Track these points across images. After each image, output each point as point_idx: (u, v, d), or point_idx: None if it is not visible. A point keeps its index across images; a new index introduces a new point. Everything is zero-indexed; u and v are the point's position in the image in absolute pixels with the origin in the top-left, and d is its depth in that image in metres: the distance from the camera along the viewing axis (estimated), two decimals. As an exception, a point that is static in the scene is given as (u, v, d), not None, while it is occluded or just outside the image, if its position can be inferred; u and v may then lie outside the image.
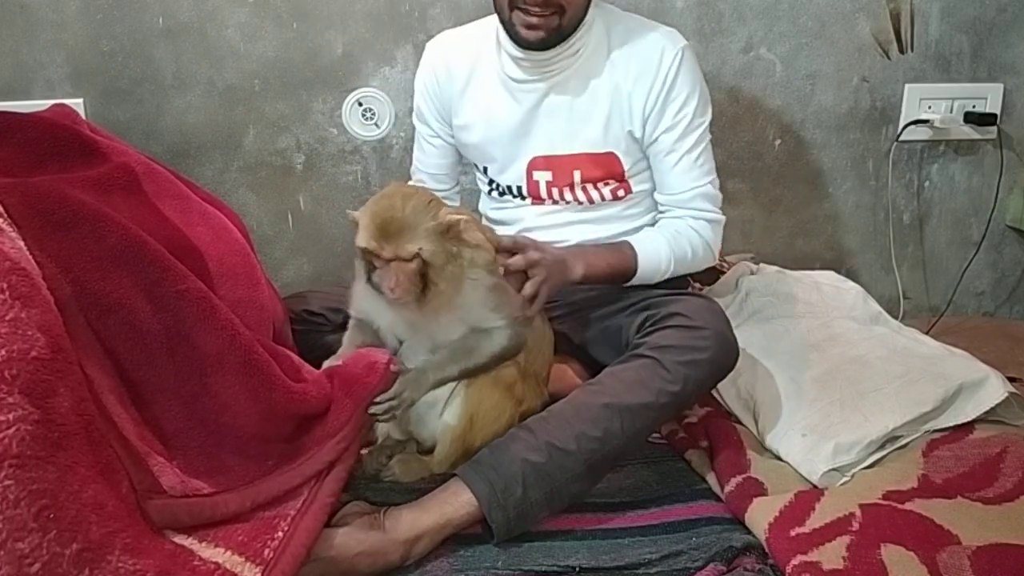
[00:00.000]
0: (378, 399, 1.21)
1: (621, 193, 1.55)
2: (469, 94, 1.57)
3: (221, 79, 1.92)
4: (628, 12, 1.58)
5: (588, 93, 1.49)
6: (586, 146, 1.51)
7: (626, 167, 1.52)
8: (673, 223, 1.52)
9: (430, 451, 1.35)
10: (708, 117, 1.52)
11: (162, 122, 1.91)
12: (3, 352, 0.88)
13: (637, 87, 1.47)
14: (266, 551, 1.05)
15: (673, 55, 1.46)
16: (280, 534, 1.08)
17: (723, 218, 1.54)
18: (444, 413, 1.30)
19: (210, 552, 1.04)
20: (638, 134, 1.50)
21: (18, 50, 1.83)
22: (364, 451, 1.40)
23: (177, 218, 1.27)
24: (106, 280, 1.05)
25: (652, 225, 1.57)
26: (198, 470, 1.10)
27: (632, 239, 1.48)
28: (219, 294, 1.19)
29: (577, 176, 1.53)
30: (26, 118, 1.25)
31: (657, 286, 1.49)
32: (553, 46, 1.45)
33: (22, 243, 1.00)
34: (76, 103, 1.81)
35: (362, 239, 1.21)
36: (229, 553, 1.05)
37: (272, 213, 2.01)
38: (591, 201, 1.55)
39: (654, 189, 1.57)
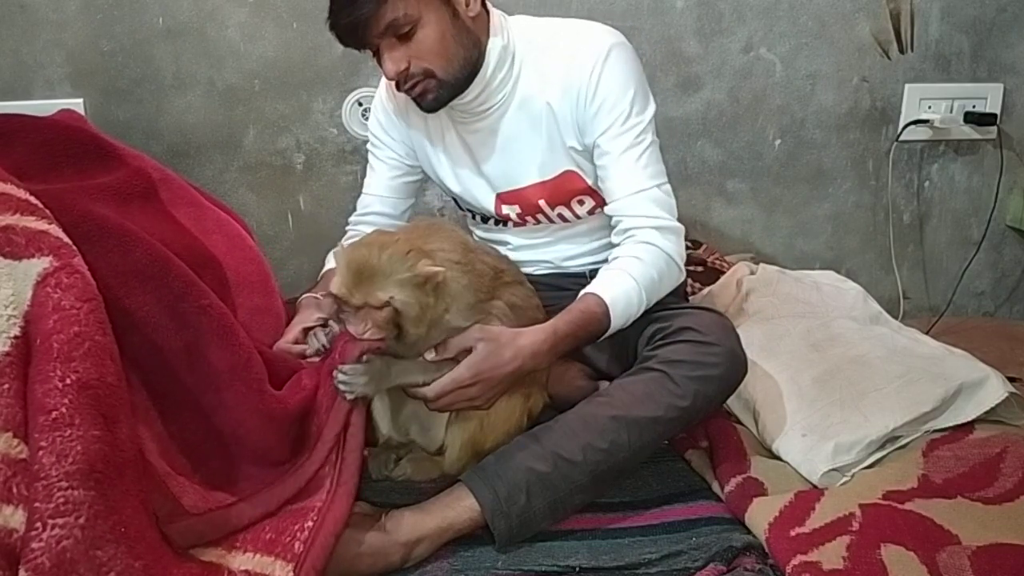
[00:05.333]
0: (341, 368, 1.16)
1: (599, 211, 1.48)
2: (427, 134, 1.51)
3: (221, 79, 1.92)
4: (555, 19, 1.46)
5: (528, 120, 1.42)
6: (539, 174, 1.45)
7: (589, 181, 1.45)
8: (629, 250, 1.35)
9: (437, 453, 1.35)
10: (648, 115, 1.39)
11: (162, 122, 1.91)
12: (94, 372, 0.93)
13: (565, 102, 1.38)
14: (296, 544, 1.06)
15: (594, 60, 1.35)
16: (310, 523, 1.08)
17: (680, 227, 1.40)
18: (453, 421, 1.30)
19: (239, 560, 1.05)
20: (580, 147, 1.42)
21: (18, 50, 1.83)
22: (365, 452, 1.40)
23: (193, 226, 1.28)
24: (131, 296, 1.06)
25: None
26: (220, 481, 1.12)
27: (598, 289, 1.31)
28: (237, 303, 1.20)
29: (543, 203, 1.48)
30: (38, 120, 1.25)
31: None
32: (454, 97, 1.37)
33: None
34: (76, 103, 1.81)
35: (333, 285, 1.17)
36: (259, 556, 1.06)
37: (272, 213, 2.02)
38: (565, 220, 1.51)
39: None
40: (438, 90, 1.35)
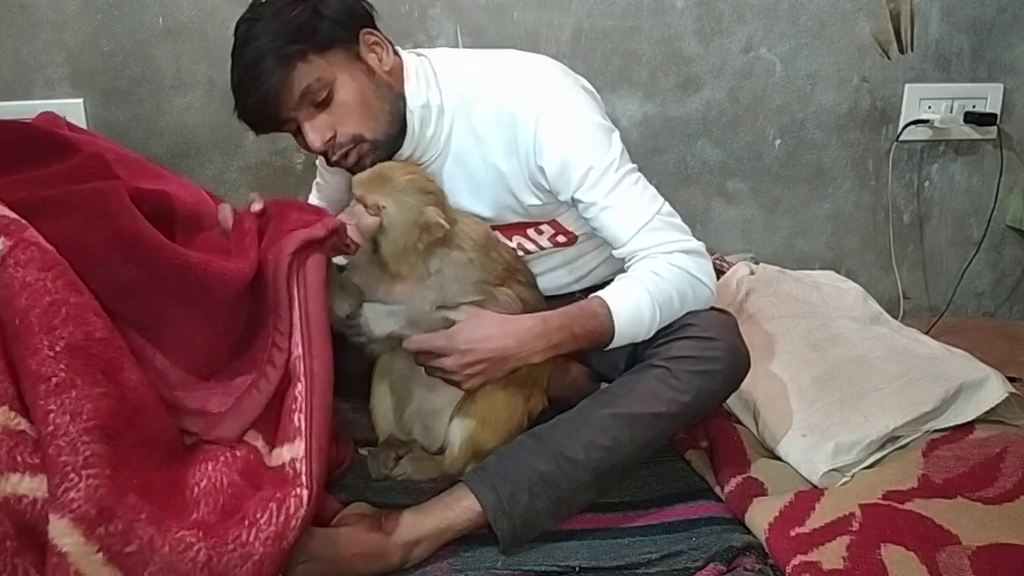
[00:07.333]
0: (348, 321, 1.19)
1: (562, 239, 1.41)
2: None
3: (221, 79, 1.90)
4: (480, 59, 1.37)
5: (465, 175, 1.33)
6: (486, 220, 1.37)
7: (536, 218, 1.38)
8: (649, 264, 1.27)
9: (438, 452, 1.35)
10: (616, 148, 1.27)
11: (162, 122, 1.91)
12: (80, 333, 0.95)
13: (513, 164, 1.30)
14: (296, 418, 1.08)
15: (533, 123, 1.25)
16: (300, 387, 1.09)
17: (699, 244, 1.30)
18: (454, 420, 1.31)
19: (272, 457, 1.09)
20: (540, 202, 1.33)
21: (18, 50, 1.82)
22: (364, 451, 1.41)
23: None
24: (78, 241, 1.03)
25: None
26: (241, 368, 1.13)
27: (604, 293, 1.26)
28: (190, 237, 1.18)
29: (499, 234, 1.38)
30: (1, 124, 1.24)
31: None
32: (391, 156, 1.29)
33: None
34: (76, 103, 1.82)
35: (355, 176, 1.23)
36: (267, 445, 1.09)
37: (272, 213, 2.01)
38: (528, 252, 1.43)
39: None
40: (372, 153, 1.27)
